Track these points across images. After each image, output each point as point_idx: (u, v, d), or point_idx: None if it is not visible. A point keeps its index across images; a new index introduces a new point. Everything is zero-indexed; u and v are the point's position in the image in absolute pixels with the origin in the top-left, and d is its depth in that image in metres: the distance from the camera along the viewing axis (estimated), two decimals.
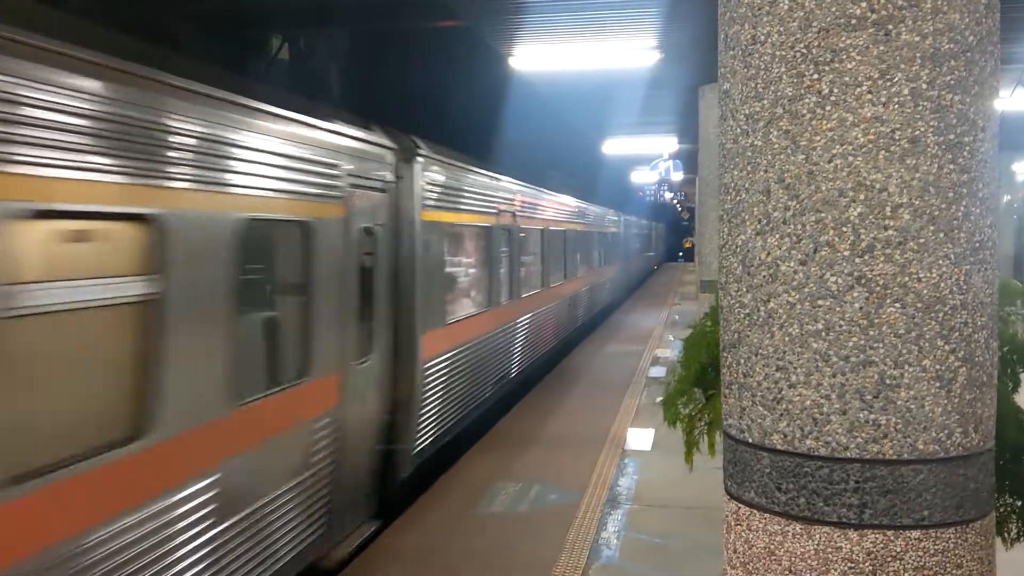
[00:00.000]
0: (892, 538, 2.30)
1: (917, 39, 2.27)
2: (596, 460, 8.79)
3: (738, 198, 2.52)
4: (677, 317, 22.57)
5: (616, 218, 27.15)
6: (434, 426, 8.41)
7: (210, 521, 4.64)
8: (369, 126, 7.41)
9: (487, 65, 12.49)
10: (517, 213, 12.66)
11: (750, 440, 2.49)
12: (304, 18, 11.22)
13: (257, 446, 5.15)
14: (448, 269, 9.44)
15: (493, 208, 11.26)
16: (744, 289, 2.50)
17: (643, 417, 10.72)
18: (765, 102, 2.42)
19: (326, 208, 6.13)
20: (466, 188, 9.93)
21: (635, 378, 13.59)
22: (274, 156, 5.41)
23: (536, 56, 11.12)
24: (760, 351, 2.46)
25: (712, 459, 5.24)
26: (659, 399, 11.08)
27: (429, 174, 8.33)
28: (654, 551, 6.45)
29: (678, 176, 28.42)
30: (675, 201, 64.50)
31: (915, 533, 2.30)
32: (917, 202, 2.28)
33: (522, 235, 13.18)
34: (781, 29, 2.38)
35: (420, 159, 8.08)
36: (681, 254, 70.28)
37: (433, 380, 8.36)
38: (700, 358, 4.61)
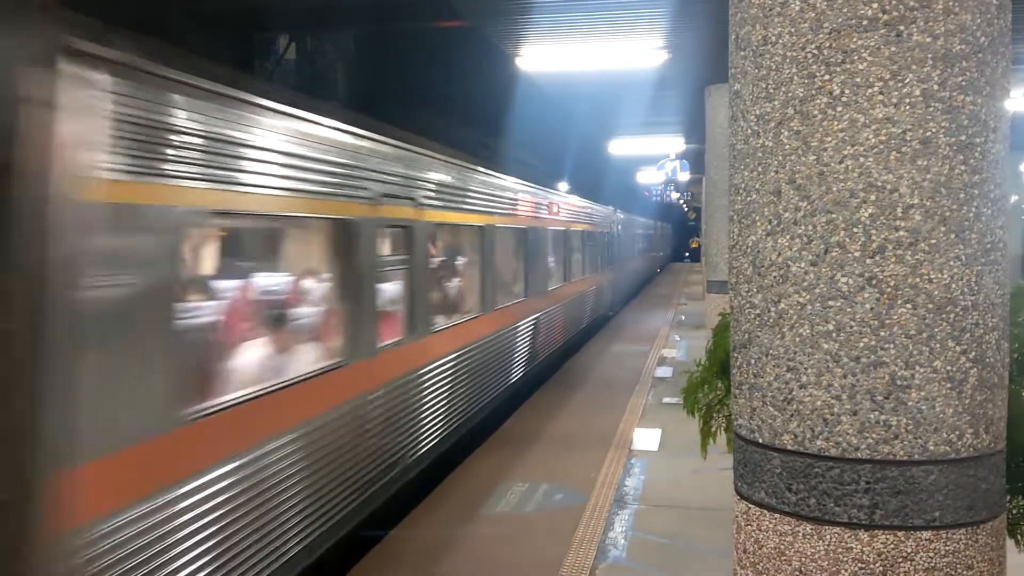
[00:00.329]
0: (903, 539, 2.30)
1: (928, 40, 2.27)
2: (603, 460, 8.78)
3: (749, 199, 2.52)
4: (683, 318, 22.55)
5: (610, 215, 23.30)
6: None
7: None
8: None
9: (495, 65, 12.48)
10: (426, 199, 7.96)
11: (760, 440, 2.49)
12: (310, 19, 11.24)
13: None
14: (198, 303, 4.91)
15: (362, 188, 6.44)
16: (755, 290, 2.51)
17: (649, 417, 10.72)
18: (776, 103, 2.42)
19: None
20: (269, 143, 5.17)
21: (641, 378, 13.57)
22: None
23: (543, 56, 11.12)
24: (771, 351, 2.46)
25: (720, 461, 5.27)
26: (666, 397, 11.10)
27: (126, 103, 3.93)
28: (662, 551, 6.44)
29: (685, 176, 28.38)
30: (681, 201, 64.46)
31: (926, 534, 2.30)
32: (928, 203, 2.28)
33: (433, 237, 8.60)
34: (792, 30, 2.38)
35: (78, 64, 3.71)
36: (687, 254, 70.23)
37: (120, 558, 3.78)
38: (725, 347, 4.61)
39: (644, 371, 14.24)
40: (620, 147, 23.65)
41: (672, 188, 52.38)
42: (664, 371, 14.05)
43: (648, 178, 36.39)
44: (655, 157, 25.66)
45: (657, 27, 9.84)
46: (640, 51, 10.76)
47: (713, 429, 4.92)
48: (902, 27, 2.27)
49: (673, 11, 9.15)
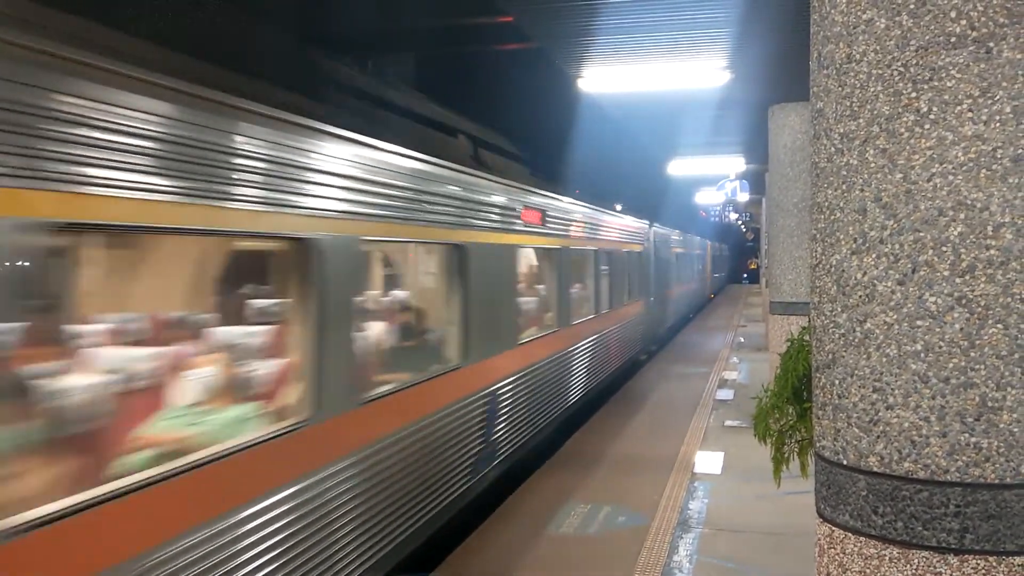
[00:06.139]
0: (994, 564, 2.25)
1: (1019, 56, 2.24)
2: (665, 482, 8.70)
3: (832, 217, 2.50)
4: (743, 340, 22.28)
5: (638, 227, 17.88)
6: None
7: None
8: None
9: (556, 86, 12.52)
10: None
11: (845, 462, 2.46)
12: (374, 43, 11.40)
13: None
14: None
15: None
16: (839, 309, 2.48)
17: (712, 440, 10.59)
18: (861, 121, 2.40)
19: None
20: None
21: (703, 400, 13.44)
22: None
23: (605, 78, 11.14)
24: (856, 372, 2.43)
25: (786, 484, 5.18)
26: (728, 420, 10.95)
27: None
28: None
29: (744, 197, 28.05)
30: (740, 222, 63.80)
31: (1019, 560, 2.25)
32: (1020, 221, 2.24)
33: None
34: (878, 48, 2.36)
35: None
36: (745, 275, 69.41)
37: None
38: (797, 373, 4.55)
39: (705, 393, 14.09)
40: (679, 167, 23.49)
41: (730, 209, 51.82)
42: (725, 393, 13.89)
43: (707, 199, 36.02)
44: (715, 178, 25.46)
45: (720, 47, 9.79)
46: (702, 72, 10.71)
47: (786, 455, 4.85)
48: (991, 44, 2.24)
49: (736, 31, 9.10)
